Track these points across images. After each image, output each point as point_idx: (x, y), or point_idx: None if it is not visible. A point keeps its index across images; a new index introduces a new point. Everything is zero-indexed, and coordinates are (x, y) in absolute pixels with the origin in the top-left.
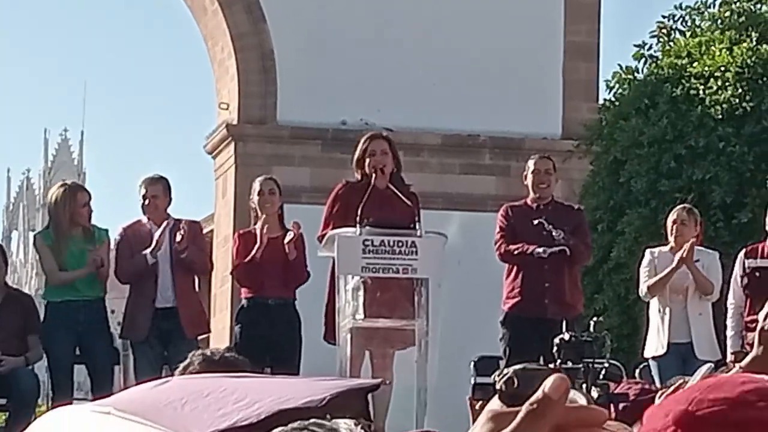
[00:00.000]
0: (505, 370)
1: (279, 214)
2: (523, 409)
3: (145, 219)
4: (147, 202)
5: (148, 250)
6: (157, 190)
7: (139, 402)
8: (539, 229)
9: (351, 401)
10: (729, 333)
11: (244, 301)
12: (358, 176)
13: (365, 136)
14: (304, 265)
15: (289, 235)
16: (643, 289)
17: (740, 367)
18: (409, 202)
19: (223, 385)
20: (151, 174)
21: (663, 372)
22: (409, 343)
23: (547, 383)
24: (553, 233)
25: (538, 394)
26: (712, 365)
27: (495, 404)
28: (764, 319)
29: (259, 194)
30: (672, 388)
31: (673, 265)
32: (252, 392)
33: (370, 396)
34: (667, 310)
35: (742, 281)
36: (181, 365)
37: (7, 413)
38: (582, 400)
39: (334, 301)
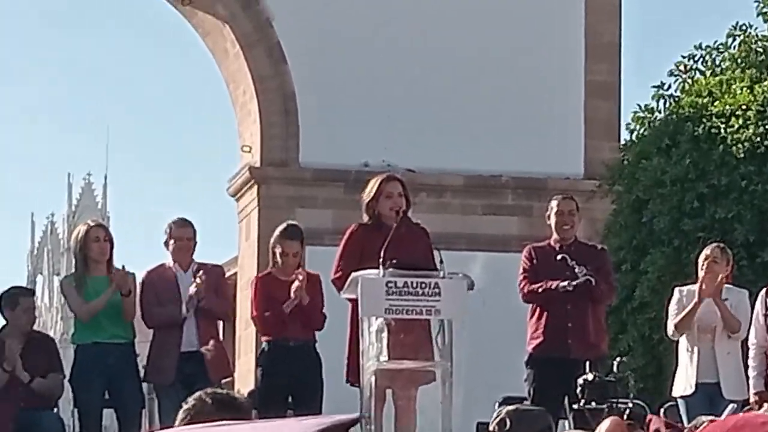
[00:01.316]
0: (499, 411)
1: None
2: None
3: (169, 262)
4: (174, 244)
5: (183, 305)
6: (185, 234)
7: None
8: (562, 266)
9: None
10: (752, 373)
11: (264, 345)
12: (367, 217)
13: (378, 178)
14: (320, 309)
15: (296, 284)
16: (670, 326)
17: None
18: (431, 244)
19: None
20: (178, 217)
21: (691, 412)
22: (432, 379)
23: (602, 428)
24: (576, 269)
25: None
26: (736, 406)
27: None
28: None
29: (282, 255)
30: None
31: (696, 299)
32: None
33: None
34: (696, 349)
35: (764, 320)
36: (186, 412)
37: None
38: None
39: (356, 342)
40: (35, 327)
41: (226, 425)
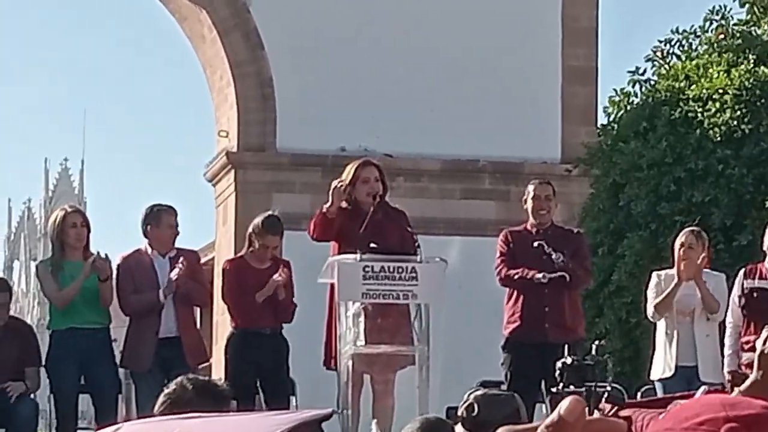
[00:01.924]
0: (467, 397)
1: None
2: (539, 430)
3: (145, 247)
4: (158, 231)
5: (161, 291)
6: (175, 222)
7: None
8: (539, 252)
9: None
10: (726, 352)
11: (232, 330)
12: (344, 203)
13: (355, 163)
14: (291, 299)
15: (279, 278)
16: (650, 309)
17: (739, 392)
18: (409, 228)
19: (174, 429)
20: (164, 203)
21: (668, 394)
22: (410, 363)
23: (563, 405)
24: (553, 256)
25: (554, 416)
26: (707, 388)
27: (458, 430)
28: (763, 344)
29: (261, 247)
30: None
31: (676, 280)
32: None
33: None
34: (675, 332)
35: (740, 301)
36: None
37: None
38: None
39: (333, 327)
40: (13, 312)
41: (197, 417)
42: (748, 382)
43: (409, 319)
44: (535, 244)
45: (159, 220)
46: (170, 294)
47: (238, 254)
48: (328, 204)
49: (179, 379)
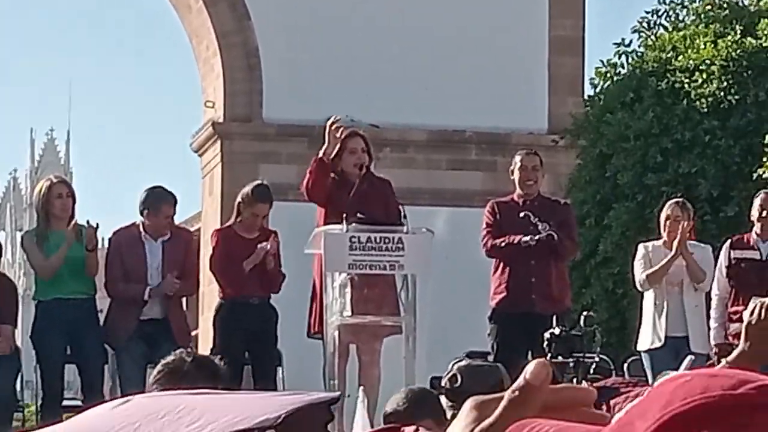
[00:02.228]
0: (451, 368)
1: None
2: (506, 396)
3: (138, 225)
4: (154, 218)
5: (148, 289)
6: (172, 211)
7: (91, 428)
8: (525, 222)
9: (313, 414)
10: (713, 324)
11: (221, 301)
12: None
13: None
14: (278, 269)
15: (268, 246)
16: (641, 278)
17: (726, 362)
18: (394, 198)
19: (182, 404)
20: (164, 189)
21: (656, 365)
22: (396, 332)
23: (528, 369)
24: (539, 226)
25: (520, 381)
26: (694, 358)
27: (443, 401)
28: (750, 314)
29: (251, 216)
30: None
31: (672, 252)
32: (208, 412)
33: (360, 391)
34: (665, 303)
35: (727, 272)
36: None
37: None
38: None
39: (320, 297)
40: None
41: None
42: (735, 353)
43: (395, 289)
44: (521, 214)
45: (158, 210)
46: (157, 297)
47: (226, 224)
48: (325, 147)
49: (179, 351)
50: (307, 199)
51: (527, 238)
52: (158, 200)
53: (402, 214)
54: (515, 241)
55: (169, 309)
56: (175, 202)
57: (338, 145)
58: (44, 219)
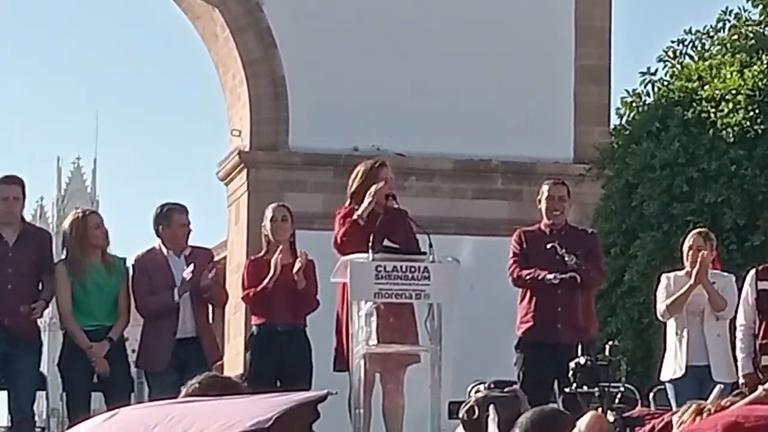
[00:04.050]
0: (468, 400)
1: (291, 242)
2: None
3: (159, 246)
4: (170, 231)
5: (175, 290)
6: (187, 220)
7: None
8: (551, 254)
9: (300, 413)
10: (740, 355)
11: (254, 329)
12: (352, 203)
13: (369, 164)
14: (314, 293)
15: (298, 264)
16: (661, 308)
17: (764, 390)
18: (416, 226)
19: (171, 414)
20: (174, 202)
21: (679, 395)
22: (416, 361)
23: (583, 421)
24: (566, 258)
25: None
26: (723, 386)
27: None
28: None
29: (271, 221)
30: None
31: (691, 281)
32: (199, 419)
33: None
34: (685, 332)
35: (754, 302)
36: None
37: None
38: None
39: (345, 329)
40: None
41: (193, 401)
42: None
43: (414, 318)
44: (548, 245)
45: (170, 220)
46: (185, 293)
47: (259, 254)
48: (364, 208)
49: (204, 375)
50: (331, 228)
51: (551, 276)
52: (169, 212)
53: (428, 242)
54: (540, 277)
55: (200, 326)
56: (187, 211)
57: (370, 175)
58: (78, 249)
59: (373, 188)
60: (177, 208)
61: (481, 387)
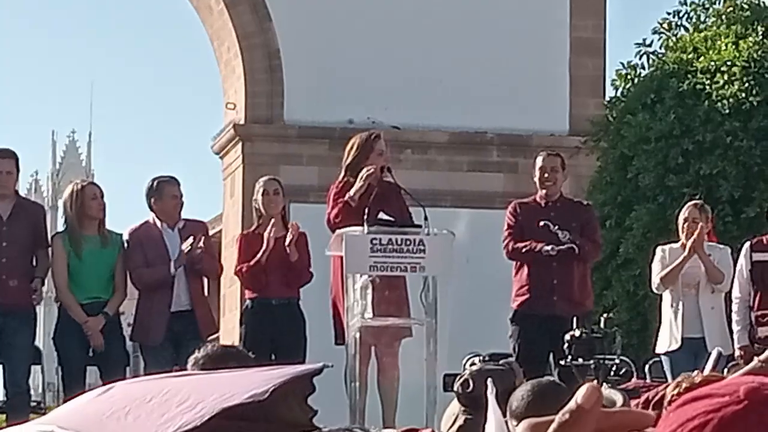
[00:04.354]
0: (463, 373)
1: (282, 215)
2: (556, 419)
3: (153, 220)
4: (162, 202)
5: (171, 263)
6: (174, 191)
7: (82, 416)
8: (545, 231)
9: (295, 386)
10: (735, 327)
11: (248, 302)
12: (346, 175)
13: (363, 136)
14: (308, 266)
15: (289, 236)
16: (655, 281)
17: (759, 362)
18: (411, 198)
19: (166, 387)
20: (164, 174)
21: (675, 367)
22: (408, 334)
23: (579, 393)
24: (559, 235)
25: (571, 404)
26: (721, 350)
27: (454, 406)
28: None
29: (263, 194)
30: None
31: (686, 252)
32: (195, 392)
33: (377, 392)
34: (680, 304)
35: (749, 275)
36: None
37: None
38: (618, 398)
39: (342, 302)
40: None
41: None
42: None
43: (416, 291)
44: (541, 223)
45: (161, 192)
46: (181, 266)
47: (251, 229)
48: (356, 189)
49: (212, 344)
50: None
51: (549, 248)
52: (160, 184)
53: (423, 215)
54: (536, 249)
55: (194, 299)
56: (178, 183)
57: (365, 147)
58: (77, 221)
59: (364, 172)
60: (168, 180)
61: (476, 360)
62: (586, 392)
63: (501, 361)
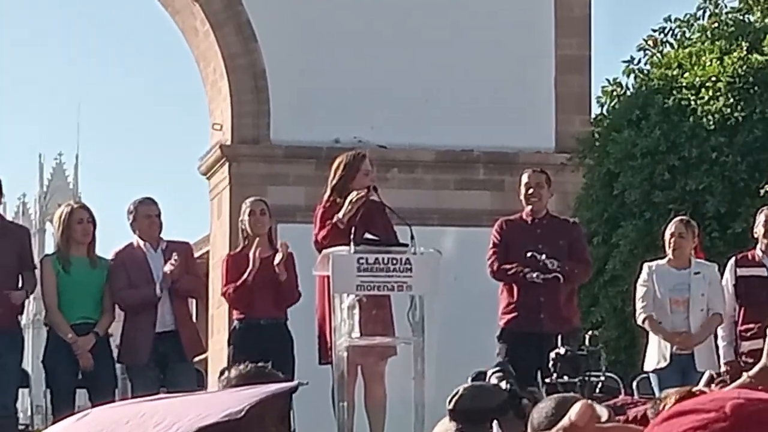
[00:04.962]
0: (456, 389)
1: (269, 235)
2: None
3: (136, 241)
4: (141, 223)
5: (156, 284)
6: (152, 211)
7: None
8: (532, 261)
9: (272, 405)
10: (721, 343)
11: (236, 323)
12: (332, 195)
13: (349, 155)
14: (295, 285)
15: (278, 256)
16: (640, 316)
17: (749, 377)
18: (397, 218)
19: (142, 410)
20: (142, 196)
21: (663, 384)
22: (393, 353)
23: (573, 410)
24: (548, 264)
25: (564, 421)
26: (713, 373)
27: (446, 424)
28: None
29: (250, 215)
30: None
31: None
32: (171, 413)
33: (364, 411)
34: (669, 321)
35: (734, 290)
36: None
37: None
38: (604, 414)
39: (328, 321)
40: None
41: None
42: (757, 368)
43: (403, 310)
44: (528, 254)
45: (138, 212)
46: (166, 288)
47: (237, 249)
48: (344, 212)
49: (244, 364)
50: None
51: (535, 275)
52: (136, 205)
53: (410, 234)
54: (522, 274)
55: (179, 319)
56: (154, 203)
57: (351, 167)
58: (65, 243)
59: (354, 195)
60: (143, 200)
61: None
62: (580, 409)
63: (528, 389)
